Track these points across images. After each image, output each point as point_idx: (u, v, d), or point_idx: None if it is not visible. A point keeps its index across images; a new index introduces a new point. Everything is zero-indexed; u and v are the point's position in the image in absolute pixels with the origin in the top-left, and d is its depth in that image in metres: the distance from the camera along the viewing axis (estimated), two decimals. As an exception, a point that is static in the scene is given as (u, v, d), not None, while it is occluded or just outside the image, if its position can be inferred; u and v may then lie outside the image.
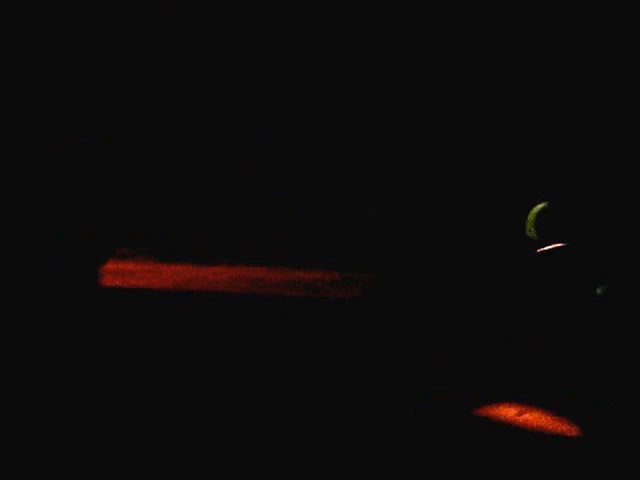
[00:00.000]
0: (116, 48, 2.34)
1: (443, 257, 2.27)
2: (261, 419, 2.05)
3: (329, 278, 2.32)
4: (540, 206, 2.13)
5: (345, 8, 2.32)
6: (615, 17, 2.21)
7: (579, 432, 1.88)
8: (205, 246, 2.39)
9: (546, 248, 2.11)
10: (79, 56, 2.33)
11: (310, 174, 2.39)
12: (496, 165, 2.27)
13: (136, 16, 2.33)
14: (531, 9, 2.23)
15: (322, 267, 2.34)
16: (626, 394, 2.00)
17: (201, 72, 2.37)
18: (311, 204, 2.39)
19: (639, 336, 2.06)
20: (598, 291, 2.05)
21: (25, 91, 2.32)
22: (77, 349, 2.18)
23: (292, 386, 2.14)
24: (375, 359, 2.18)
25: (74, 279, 2.28)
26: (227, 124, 2.40)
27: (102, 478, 1.83)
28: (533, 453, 1.85)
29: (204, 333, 2.23)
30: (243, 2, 2.34)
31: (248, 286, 2.30)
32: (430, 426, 1.97)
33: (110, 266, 2.32)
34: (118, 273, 2.31)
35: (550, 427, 1.90)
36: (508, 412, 1.95)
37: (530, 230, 2.12)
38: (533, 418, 1.92)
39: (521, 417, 1.93)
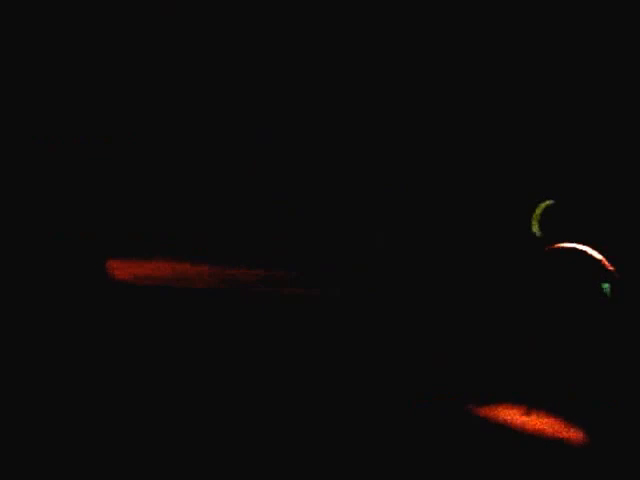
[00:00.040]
0: (116, 49, 2.34)
1: (446, 255, 2.27)
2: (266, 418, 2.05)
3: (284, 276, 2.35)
4: (546, 204, 2.12)
5: (345, 9, 2.32)
6: (623, 19, 2.20)
7: (584, 434, 1.86)
8: (187, 245, 2.40)
9: (555, 247, 2.10)
10: (79, 56, 2.33)
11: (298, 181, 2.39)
12: (501, 163, 2.27)
13: (136, 17, 2.33)
14: (537, 10, 2.23)
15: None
16: (632, 395, 1.99)
17: (201, 73, 2.38)
18: (308, 208, 2.39)
19: None
20: (605, 289, 2.04)
21: (25, 91, 2.32)
22: (65, 339, 2.18)
23: (291, 383, 2.14)
24: (379, 358, 2.18)
25: (68, 274, 2.28)
26: (221, 129, 2.40)
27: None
28: (535, 454, 1.84)
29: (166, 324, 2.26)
30: (243, 2, 2.34)
31: (215, 282, 2.33)
32: (432, 426, 1.97)
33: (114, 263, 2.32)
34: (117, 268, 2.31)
35: (554, 429, 1.89)
36: (512, 413, 1.94)
37: (535, 228, 2.11)
38: (538, 419, 1.91)
39: (525, 418, 1.92)
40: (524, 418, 1.94)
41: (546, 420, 1.94)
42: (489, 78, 2.29)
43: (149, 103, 2.40)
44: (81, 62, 2.35)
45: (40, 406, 2.05)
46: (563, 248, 2.12)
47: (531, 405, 1.99)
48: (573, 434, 1.89)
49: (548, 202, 2.19)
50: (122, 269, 2.33)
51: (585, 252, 2.09)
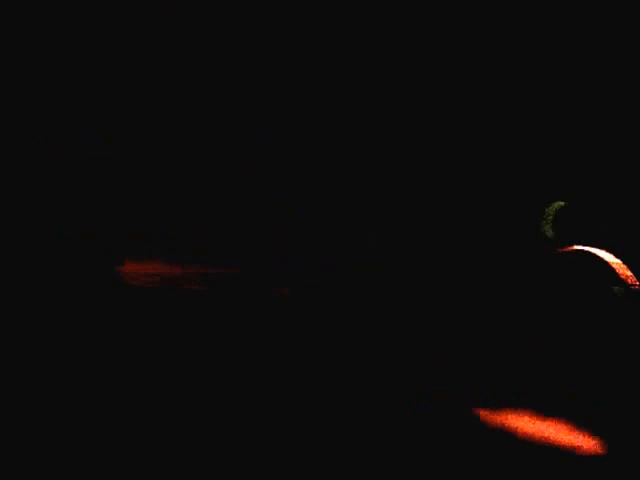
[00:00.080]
0: (116, 49, 2.34)
1: (448, 255, 2.26)
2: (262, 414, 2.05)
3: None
4: (557, 204, 2.08)
5: (345, 9, 2.32)
6: (633, 19, 2.19)
7: (598, 440, 1.82)
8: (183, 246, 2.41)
9: (567, 249, 2.05)
10: (79, 57, 2.33)
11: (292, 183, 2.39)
12: (512, 163, 2.24)
13: (136, 17, 2.33)
14: (550, 6, 2.20)
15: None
16: None
17: (201, 73, 2.38)
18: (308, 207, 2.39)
19: None
20: (616, 291, 2.00)
21: (25, 91, 2.32)
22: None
23: (291, 383, 2.14)
24: (379, 358, 2.18)
25: (67, 274, 2.28)
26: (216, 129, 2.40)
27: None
28: (544, 460, 1.81)
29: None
30: (243, 2, 2.34)
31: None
32: (432, 426, 1.96)
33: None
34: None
35: (564, 433, 1.85)
36: (519, 415, 1.90)
37: (547, 229, 2.07)
38: (547, 423, 1.87)
39: (533, 421, 1.88)
40: (532, 421, 1.91)
41: (556, 424, 1.90)
42: (494, 73, 2.28)
43: (149, 103, 2.40)
44: (81, 62, 2.35)
45: (42, 405, 2.05)
46: (576, 251, 2.08)
47: (540, 408, 1.95)
48: (586, 440, 1.84)
49: (560, 203, 2.15)
50: (133, 270, 2.35)
51: (598, 255, 2.04)
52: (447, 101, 2.29)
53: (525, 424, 1.91)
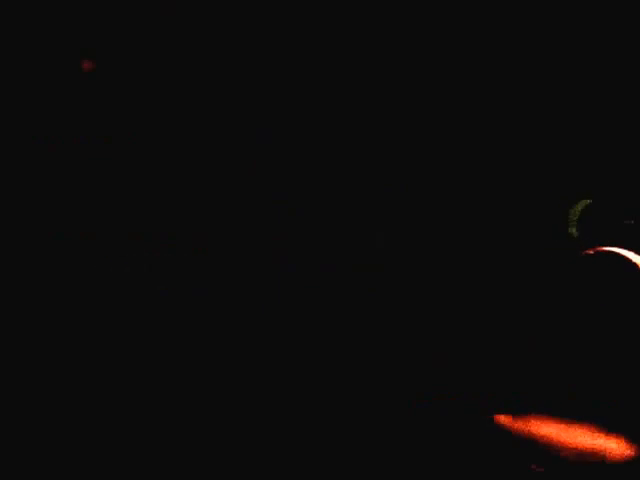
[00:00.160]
0: (116, 48, 2.34)
1: (471, 253, 2.22)
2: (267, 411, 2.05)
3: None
4: (583, 203, 2.01)
5: (345, 8, 2.32)
6: None
7: (629, 448, 1.77)
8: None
9: (595, 250, 1.98)
10: (79, 56, 2.33)
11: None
12: (537, 158, 2.19)
13: (136, 16, 2.33)
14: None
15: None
16: None
17: (201, 73, 2.38)
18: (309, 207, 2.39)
19: None
20: None
21: (25, 91, 2.32)
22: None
23: (286, 382, 2.13)
24: (379, 357, 2.18)
25: (66, 274, 2.28)
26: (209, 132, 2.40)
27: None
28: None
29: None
30: (243, 2, 2.34)
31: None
32: (432, 426, 1.96)
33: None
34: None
35: (592, 440, 1.78)
36: (542, 422, 1.84)
37: (572, 229, 2.00)
38: (571, 429, 1.80)
39: (555, 426, 1.81)
40: (556, 426, 1.84)
41: (582, 428, 1.83)
42: (514, 67, 2.24)
43: (149, 103, 2.39)
44: (81, 62, 2.35)
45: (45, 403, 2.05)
46: (603, 252, 2.01)
47: (565, 413, 1.88)
48: (614, 444, 1.78)
49: (587, 201, 2.07)
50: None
51: (626, 257, 1.97)
52: (463, 95, 2.27)
53: (549, 429, 1.84)
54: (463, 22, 2.25)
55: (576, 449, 1.76)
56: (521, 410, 1.89)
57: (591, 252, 2.00)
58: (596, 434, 1.81)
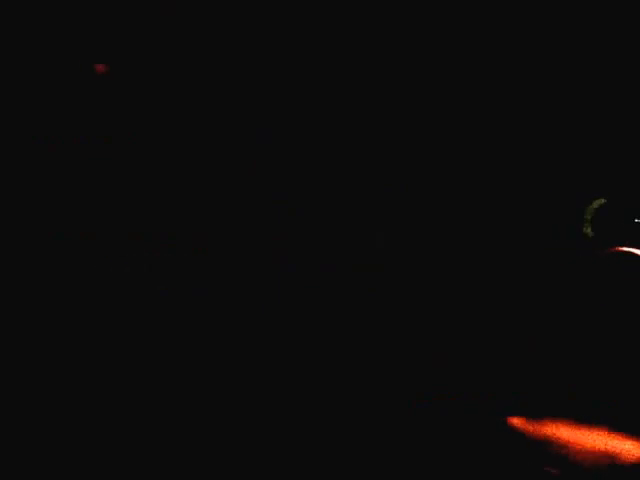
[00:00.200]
0: (116, 48, 2.34)
1: (483, 251, 2.21)
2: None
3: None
4: (598, 202, 1.97)
5: (345, 8, 2.32)
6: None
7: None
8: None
9: (611, 251, 1.94)
10: (79, 56, 2.33)
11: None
12: (551, 155, 2.17)
13: (136, 15, 2.33)
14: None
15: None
16: None
17: (201, 72, 2.38)
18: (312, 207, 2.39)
19: None
20: None
21: (25, 91, 2.32)
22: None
23: (292, 383, 2.13)
24: (378, 357, 2.18)
25: (66, 275, 2.28)
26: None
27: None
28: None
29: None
30: (243, 2, 2.34)
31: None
32: (433, 427, 1.95)
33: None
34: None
35: (607, 443, 1.75)
36: (558, 425, 1.81)
37: (587, 228, 1.95)
38: (590, 432, 1.76)
39: (573, 431, 1.78)
40: (571, 429, 1.81)
41: (598, 431, 1.80)
42: (528, 64, 2.22)
43: (149, 103, 2.39)
44: (81, 62, 2.35)
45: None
46: (619, 252, 1.97)
47: (579, 415, 1.85)
48: (630, 447, 1.75)
49: (602, 200, 2.04)
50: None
51: None
52: (469, 91, 2.26)
53: (564, 432, 1.81)
54: (474, 17, 2.24)
55: (591, 451, 1.74)
56: (535, 412, 1.86)
57: (608, 252, 1.96)
58: (611, 436, 1.78)
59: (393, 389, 2.10)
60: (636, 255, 1.94)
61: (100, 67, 2.27)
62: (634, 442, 1.78)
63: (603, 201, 1.99)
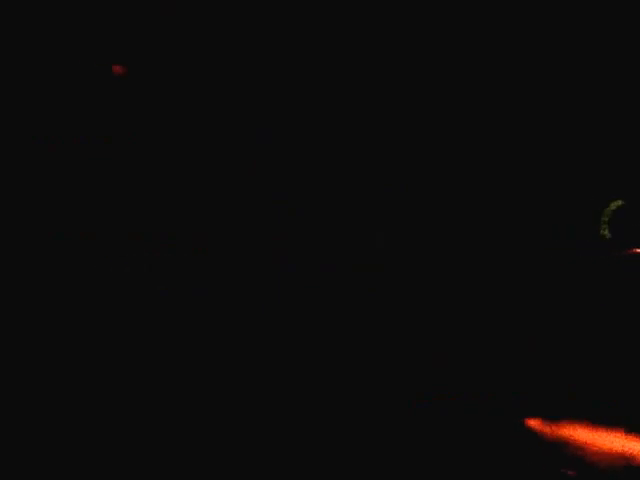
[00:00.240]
0: (116, 47, 2.34)
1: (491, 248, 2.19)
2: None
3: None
4: (615, 204, 1.94)
5: (345, 8, 2.32)
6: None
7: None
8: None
9: (627, 252, 1.91)
10: (79, 56, 2.32)
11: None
12: (569, 155, 2.14)
13: (136, 15, 2.33)
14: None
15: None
16: None
17: (201, 72, 2.37)
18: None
19: None
20: None
21: (25, 91, 2.32)
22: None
23: (287, 381, 2.13)
24: (378, 357, 2.17)
25: (66, 275, 2.28)
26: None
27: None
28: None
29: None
30: (243, 2, 2.34)
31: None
32: (433, 427, 1.95)
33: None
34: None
35: (624, 445, 1.72)
36: (574, 426, 1.78)
37: (604, 230, 1.93)
38: (604, 435, 1.74)
39: (589, 434, 1.76)
40: (588, 430, 1.79)
41: (612, 434, 1.78)
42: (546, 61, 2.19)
43: (149, 103, 2.39)
44: (81, 62, 2.34)
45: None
46: (636, 254, 1.95)
47: (597, 417, 1.83)
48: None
49: (620, 202, 2.02)
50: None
51: None
52: (473, 91, 2.25)
53: (581, 434, 1.79)
54: (484, 15, 2.23)
55: (607, 453, 1.72)
56: (552, 414, 1.84)
57: (626, 253, 1.93)
58: (628, 438, 1.77)
59: (393, 389, 2.10)
60: None
61: (117, 68, 2.27)
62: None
63: (620, 203, 1.97)
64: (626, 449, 1.72)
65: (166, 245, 2.38)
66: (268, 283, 2.33)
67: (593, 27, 2.18)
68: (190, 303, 2.30)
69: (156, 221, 2.38)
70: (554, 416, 1.84)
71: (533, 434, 1.81)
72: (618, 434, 1.78)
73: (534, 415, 1.85)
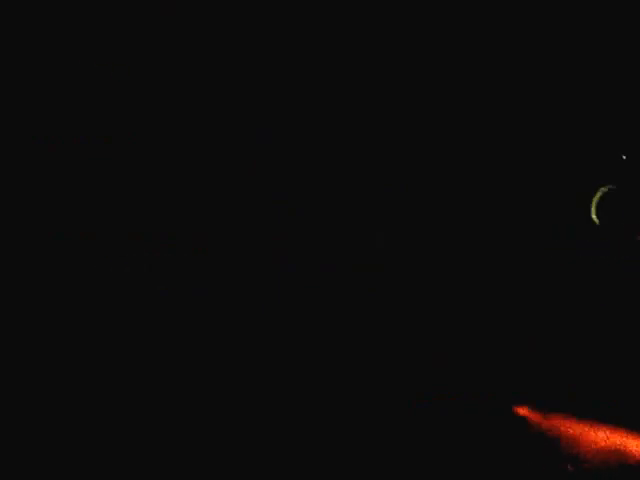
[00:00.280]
0: (116, 47, 2.34)
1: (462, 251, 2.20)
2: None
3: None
4: (604, 188, 1.92)
5: (345, 8, 2.32)
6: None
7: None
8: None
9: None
10: (79, 55, 2.32)
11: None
12: (558, 141, 2.13)
13: (136, 15, 2.33)
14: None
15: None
16: None
17: (201, 72, 2.37)
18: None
19: None
20: None
21: (25, 91, 2.32)
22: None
23: (292, 381, 2.13)
24: (378, 357, 2.17)
25: (67, 275, 2.28)
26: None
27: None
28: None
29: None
30: (243, 1, 2.34)
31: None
32: (433, 427, 1.95)
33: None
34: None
35: (618, 443, 1.70)
36: (576, 423, 1.76)
37: (594, 215, 1.90)
38: (609, 433, 1.71)
39: (593, 430, 1.74)
40: (592, 427, 1.78)
41: (605, 430, 1.76)
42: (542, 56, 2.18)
43: (149, 103, 2.39)
44: (81, 61, 2.34)
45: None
46: None
47: (602, 414, 1.81)
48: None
49: (608, 187, 2.00)
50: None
51: None
52: (468, 88, 2.24)
53: (574, 429, 1.79)
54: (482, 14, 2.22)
55: (601, 448, 1.72)
56: (545, 409, 1.84)
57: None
58: (621, 434, 1.76)
59: (394, 388, 2.10)
60: None
61: (117, 68, 2.27)
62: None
63: (609, 188, 1.94)
64: (619, 445, 1.72)
65: (166, 245, 2.38)
66: (268, 283, 2.32)
67: (583, 25, 2.18)
68: (190, 303, 2.30)
69: (156, 221, 2.37)
70: (548, 411, 1.84)
71: (527, 430, 1.81)
72: (611, 429, 1.77)
73: (528, 411, 1.85)
